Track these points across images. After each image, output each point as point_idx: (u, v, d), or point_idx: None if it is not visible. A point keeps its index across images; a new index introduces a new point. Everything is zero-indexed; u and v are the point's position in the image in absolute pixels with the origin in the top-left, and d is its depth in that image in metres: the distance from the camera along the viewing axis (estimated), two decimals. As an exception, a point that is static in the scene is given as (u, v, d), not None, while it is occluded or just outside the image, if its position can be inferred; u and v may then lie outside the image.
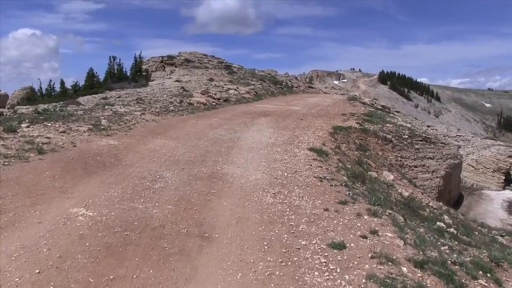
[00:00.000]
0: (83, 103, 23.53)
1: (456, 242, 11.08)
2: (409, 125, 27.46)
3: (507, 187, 34.68)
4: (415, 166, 22.34)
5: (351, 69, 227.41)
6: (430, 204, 17.58)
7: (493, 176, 34.29)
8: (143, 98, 25.70)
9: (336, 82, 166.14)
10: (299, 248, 7.59)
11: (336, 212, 9.51)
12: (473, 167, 34.42)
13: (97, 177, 10.71)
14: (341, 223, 8.90)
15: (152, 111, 21.43)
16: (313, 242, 7.87)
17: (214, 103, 27.76)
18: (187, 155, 13.67)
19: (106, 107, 20.90)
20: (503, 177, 34.66)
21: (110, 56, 34.06)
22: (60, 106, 20.35)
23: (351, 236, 8.28)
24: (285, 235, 8.11)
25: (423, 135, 25.55)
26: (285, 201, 9.98)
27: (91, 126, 16.10)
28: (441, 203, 19.87)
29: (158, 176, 11.13)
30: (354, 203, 10.41)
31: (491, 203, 29.02)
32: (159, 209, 8.90)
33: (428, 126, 41.38)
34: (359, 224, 8.90)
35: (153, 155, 13.27)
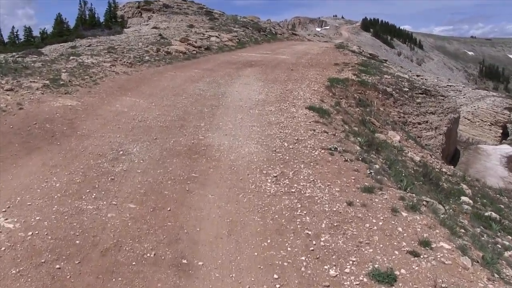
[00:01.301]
0: (47, 53, 20.01)
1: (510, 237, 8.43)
2: (406, 76, 24.56)
3: (503, 141, 32.34)
4: (419, 123, 19.62)
5: (333, 16, 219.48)
6: (443, 169, 15.08)
7: (490, 130, 31.78)
8: (116, 47, 22.23)
9: (318, 29, 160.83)
10: (328, 286, 4.78)
11: (364, 208, 6.66)
12: (469, 120, 31.81)
13: (38, 156, 7.67)
14: (375, 227, 6.06)
15: (125, 61, 18.11)
16: (346, 270, 5.04)
17: (194, 52, 24.40)
18: (162, 118, 10.61)
19: (71, 57, 17.50)
20: (500, 131, 32.18)
21: (80, 1, 30.17)
22: (15, 57, 16.92)
23: (397, 253, 5.46)
24: (303, 257, 5.26)
25: (423, 87, 22.71)
26: (292, 190, 7.10)
27: (47, 82, 12.85)
28: (451, 166, 17.34)
29: (121, 152, 8.12)
30: (381, 188, 7.59)
31: (488, 159, 26.67)
32: (116, 212, 5.95)
33: (417, 76, 38.52)
34: (400, 229, 6.07)
35: (118, 120, 10.19)
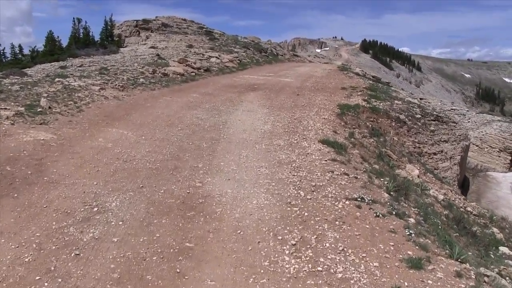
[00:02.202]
0: (32, 73, 18.21)
1: None
2: (417, 102, 22.83)
3: (513, 168, 30.67)
4: (434, 154, 17.84)
5: (333, 38, 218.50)
6: (468, 208, 13.29)
7: (499, 157, 29.99)
8: (109, 68, 20.52)
9: (318, 51, 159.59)
10: None
11: (420, 299, 4.84)
12: (477, 146, 30.04)
13: (-16, 216, 5.82)
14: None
15: (116, 84, 16.33)
16: None
17: (193, 74, 22.69)
18: (152, 157, 8.79)
19: (57, 79, 15.70)
20: (509, 158, 30.39)
21: (74, 18, 28.39)
22: (-6, 78, 15.13)
23: None
24: None
25: (434, 113, 20.96)
26: (319, 268, 5.26)
27: (22, 109, 11.05)
28: (474, 203, 15.51)
29: (96, 209, 6.25)
30: (429, 259, 5.81)
31: (499, 187, 24.86)
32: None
33: (420, 99, 36.90)
34: None
35: (99, 160, 8.34)
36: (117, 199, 6.64)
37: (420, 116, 19.21)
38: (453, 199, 13.51)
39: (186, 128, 11.33)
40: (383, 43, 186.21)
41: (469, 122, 34.39)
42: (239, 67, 28.36)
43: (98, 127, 10.64)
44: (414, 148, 16.63)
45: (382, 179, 9.48)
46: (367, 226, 6.51)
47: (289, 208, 6.87)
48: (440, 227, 8.13)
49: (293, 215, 6.63)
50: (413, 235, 6.51)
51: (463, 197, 15.00)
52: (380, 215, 6.97)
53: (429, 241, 6.54)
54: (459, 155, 20.08)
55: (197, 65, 24.24)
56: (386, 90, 22.73)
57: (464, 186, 25.43)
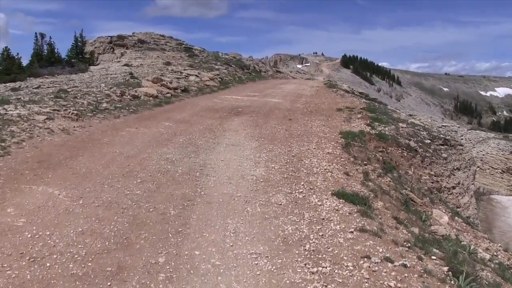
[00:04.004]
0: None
1: None
2: (421, 123, 19.64)
3: (517, 190, 27.63)
4: (453, 187, 14.65)
5: (313, 53, 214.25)
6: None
7: (502, 178, 27.03)
8: (69, 90, 16.93)
9: (299, 66, 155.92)
10: None
11: None
12: (478, 167, 27.07)
13: None
14: None
15: (70, 112, 12.74)
16: None
17: (168, 95, 19.18)
18: (82, 247, 5.22)
19: (-5, 106, 12.16)
20: (513, 179, 27.52)
21: (36, 33, 24.71)
22: None
23: None
24: None
25: (441, 136, 17.79)
26: None
27: None
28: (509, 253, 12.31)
29: None
30: None
31: (507, 213, 21.83)
32: None
33: (409, 115, 33.91)
34: None
35: (-10, 258, 4.87)
36: None
37: (429, 141, 16.04)
38: (495, 253, 10.27)
39: (149, 179, 7.83)
40: (363, 58, 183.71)
41: (462, 139, 31.40)
42: (220, 86, 24.93)
43: (17, 184, 7.06)
44: (432, 182, 13.40)
45: (433, 258, 6.12)
46: None
47: None
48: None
49: None
50: None
51: (501, 247, 11.73)
52: None
53: None
54: (472, 184, 16.96)
55: (174, 85, 20.74)
56: (385, 111, 19.55)
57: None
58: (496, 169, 27.19)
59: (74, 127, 11.55)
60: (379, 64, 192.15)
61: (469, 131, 35.03)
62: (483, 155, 27.91)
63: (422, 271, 5.40)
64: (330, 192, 7.82)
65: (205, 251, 5.36)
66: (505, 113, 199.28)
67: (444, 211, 11.03)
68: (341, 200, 7.46)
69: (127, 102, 16.39)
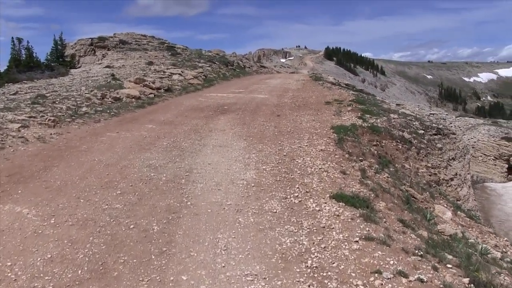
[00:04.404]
0: None
1: None
2: (413, 113, 19.00)
3: (510, 176, 26.94)
4: (451, 179, 14.02)
5: (296, 47, 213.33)
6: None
7: (495, 165, 26.41)
8: (47, 95, 16.03)
9: (283, 60, 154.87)
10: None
11: None
12: (471, 154, 26.51)
13: None
14: None
15: (47, 118, 11.87)
16: None
17: (151, 95, 18.34)
18: (57, 272, 4.46)
19: (-35, 116, 11.28)
20: (506, 166, 26.82)
21: (13, 38, 23.67)
22: None
23: None
24: None
25: (434, 125, 17.18)
26: None
27: None
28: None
29: None
30: None
31: (503, 201, 21.28)
32: None
33: (397, 105, 33.36)
34: None
35: None
36: None
37: (423, 131, 15.45)
38: (504, 250, 9.65)
39: (129, 189, 7.06)
40: (346, 50, 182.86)
41: (452, 127, 30.89)
42: (204, 83, 24.10)
43: (-20, 204, 6.28)
44: (430, 175, 12.76)
45: (449, 267, 5.45)
46: None
47: None
48: None
49: None
50: None
51: (508, 241, 11.09)
52: None
53: None
54: (468, 174, 16.40)
55: (157, 85, 19.90)
56: (375, 102, 18.91)
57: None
58: (488, 156, 26.64)
59: (50, 134, 10.71)
60: (362, 55, 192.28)
61: (458, 118, 34.42)
62: (475, 142, 27.32)
63: (441, 286, 4.72)
64: (328, 195, 7.13)
65: (193, 275, 4.63)
66: (489, 98, 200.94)
67: (445, 205, 10.39)
68: (341, 204, 6.77)
69: (108, 105, 15.55)
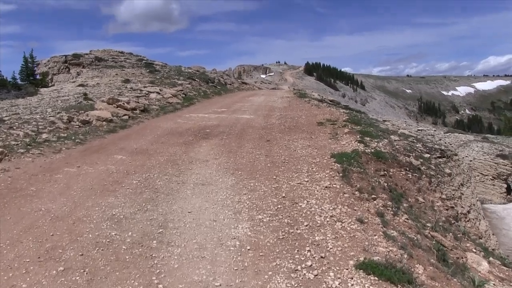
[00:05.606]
0: None
1: None
2: (412, 134, 17.13)
3: (509, 196, 25.10)
4: (468, 212, 12.09)
5: (276, 62, 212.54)
6: None
7: (494, 185, 24.66)
8: (6, 118, 13.76)
9: (263, 76, 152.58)
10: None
11: None
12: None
13: None
14: None
15: (-6, 150, 9.69)
16: None
17: (125, 117, 16.14)
18: None
19: None
20: (505, 186, 25.09)
21: (-24, 56, 21.48)
22: None
23: None
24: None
25: (436, 146, 15.34)
26: None
27: None
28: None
29: None
30: None
31: (506, 225, 19.48)
32: None
33: (384, 121, 31.60)
34: None
35: None
36: None
37: (428, 154, 13.59)
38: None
39: (78, 263, 4.89)
40: (325, 65, 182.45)
41: (449, 145, 29.18)
42: (184, 102, 21.97)
43: None
44: (447, 209, 10.79)
45: None
46: None
47: None
48: None
49: None
50: None
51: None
52: None
53: None
54: (478, 201, 14.57)
55: (132, 105, 17.70)
56: (370, 122, 17.00)
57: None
58: (486, 175, 24.89)
59: (-8, 172, 8.47)
60: (342, 70, 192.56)
61: (447, 134, 32.65)
62: (470, 161, 25.55)
63: None
64: (352, 262, 5.11)
65: None
66: (467, 111, 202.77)
67: (474, 250, 8.44)
68: (372, 279, 4.76)
69: (74, 130, 13.33)
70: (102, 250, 5.25)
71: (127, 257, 5.10)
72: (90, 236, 5.64)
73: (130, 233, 5.77)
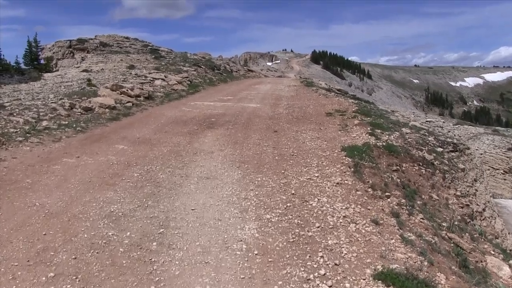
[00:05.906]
0: None
1: None
2: (424, 126, 16.59)
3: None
4: (483, 210, 11.61)
5: (282, 50, 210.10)
6: None
7: (505, 180, 24.00)
8: (7, 104, 13.33)
9: (269, 64, 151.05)
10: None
11: None
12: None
13: None
14: None
15: (-9, 138, 9.26)
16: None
17: (129, 104, 15.67)
18: None
19: None
20: (517, 180, 24.47)
21: (-22, 40, 20.99)
22: None
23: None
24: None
25: (449, 140, 14.80)
26: None
27: None
28: None
29: None
30: None
31: (519, 221, 18.84)
32: None
33: (392, 111, 31.07)
34: None
35: None
36: None
37: (440, 148, 13.06)
38: None
39: (70, 267, 4.44)
40: (332, 53, 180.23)
41: (461, 138, 28.57)
42: (189, 89, 21.46)
43: None
44: (462, 207, 10.28)
45: None
46: None
47: None
48: None
49: None
50: None
51: None
52: None
53: None
54: (491, 197, 14.07)
55: (136, 92, 17.21)
56: (380, 113, 16.44)
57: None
58: (497, 169, 24.21)
59: (-13, 163, 8.03)
60: (349, 59, 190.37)
61: (456, 126, 31.88)
62: (481, 154, 24.86)
63: None
64: (369, 271, 4.64)
65: None
66: (475, 102, 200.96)
67: (493, 252, 7.97)
68: (392, 290, 4.28)
69: (76, 117, 12.88)
70: (97, 253, 4.80)
71: (124, 261, 4.66)
72: (85, 236, 5.20)
73: (128, 233, 5.32)
